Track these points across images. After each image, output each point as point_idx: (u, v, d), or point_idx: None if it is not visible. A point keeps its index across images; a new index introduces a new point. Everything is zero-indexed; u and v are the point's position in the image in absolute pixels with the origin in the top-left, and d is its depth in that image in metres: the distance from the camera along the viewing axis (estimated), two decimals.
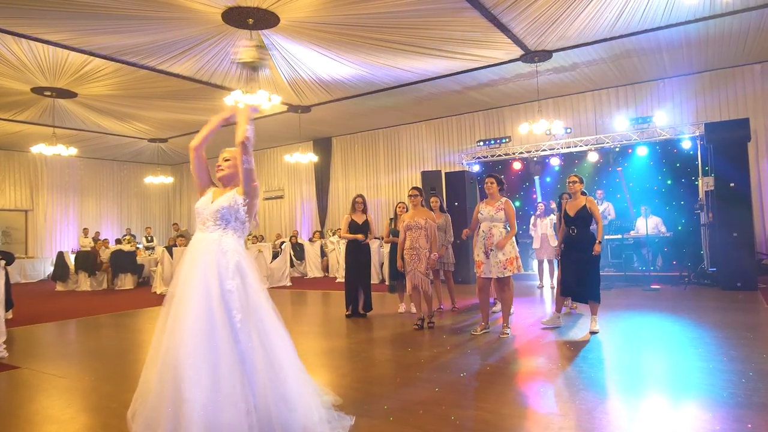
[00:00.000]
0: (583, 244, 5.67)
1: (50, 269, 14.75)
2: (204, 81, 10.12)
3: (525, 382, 4.03)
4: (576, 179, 5.82)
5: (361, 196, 7.41)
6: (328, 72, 9.91)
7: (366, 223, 7.23)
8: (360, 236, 7.14)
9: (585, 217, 5.67)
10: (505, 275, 5.54)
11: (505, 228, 5.66)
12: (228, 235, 2.77)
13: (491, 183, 5.76)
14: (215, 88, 10.41)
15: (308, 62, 9.34)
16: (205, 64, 9.29)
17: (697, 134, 9.76)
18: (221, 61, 9.17)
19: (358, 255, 7.22)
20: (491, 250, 5.53)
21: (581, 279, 5.65)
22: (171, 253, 11.13)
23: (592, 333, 5.48)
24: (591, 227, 5.79)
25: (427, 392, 3.80)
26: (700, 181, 9.66)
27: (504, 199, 5.72)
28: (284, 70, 9.65)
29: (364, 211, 7.31)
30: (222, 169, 2.92)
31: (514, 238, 5.67)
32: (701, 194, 9.52)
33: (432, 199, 7.43)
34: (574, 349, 4.94)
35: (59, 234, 17.24)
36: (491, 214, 5.63)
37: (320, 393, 2.99)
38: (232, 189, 2.86)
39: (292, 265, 13.57)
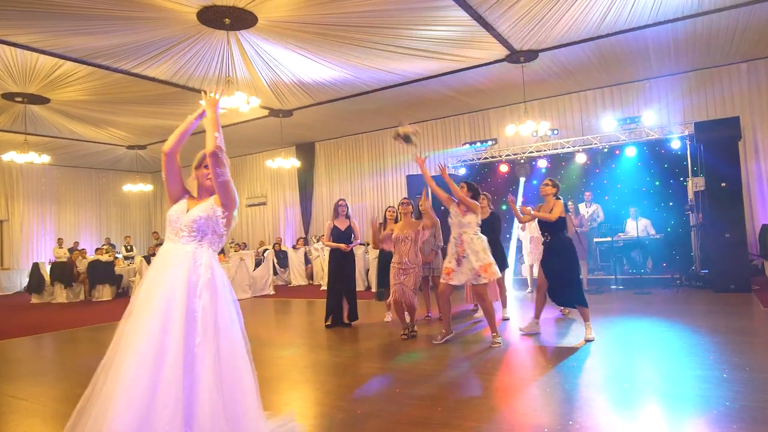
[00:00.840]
0: (559, 250, 5.48)
1: (26, 281, 14.26)
2: (181, 84, 9.78)
3: (518, 397, 3.77)
4: (549, 183, 5.65)
5: (343, 200, 7.13)
6: (310, 74, 9.64)
7: (349, 228, 6.93)
8: (342, 246, 6.82)
9: (557, 222, 5.47)
10: (480, 282, 5.30)
11: (476, 234, 5.41)
12: (203, 248, 2.50)
13: (461, 187, 5.55)
14: (194, 92, 10.07)
15: (289, 64, 9.06)
16: (181, 67, 8.96)
17: (686, 134, 9.63)
18: (198, 64, 8.86)
19: (342, 263, 6.89)
20: (463, 257, 5.31)
21: (562, 284, 5.47)
22: (149, 263, 10.74)
23: (588, 341, 5.25)
24: (565, 231, 5.61)
25: (415, 410, 3.54)
26: (689, 181, 9.50)
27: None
28: (264, 72, 9.35)
29: (348, 216, 7.02)
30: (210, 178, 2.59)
31: (486, 243, 5.42)
32: (690, 195, 9.39)
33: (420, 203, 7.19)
34: (569, 359, 4.69)
35: (36, 244, 16.70)
36: (459, 219, 5.41)
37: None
38: (209, 198, 2.58)
39: (275, 273, 13.23)
